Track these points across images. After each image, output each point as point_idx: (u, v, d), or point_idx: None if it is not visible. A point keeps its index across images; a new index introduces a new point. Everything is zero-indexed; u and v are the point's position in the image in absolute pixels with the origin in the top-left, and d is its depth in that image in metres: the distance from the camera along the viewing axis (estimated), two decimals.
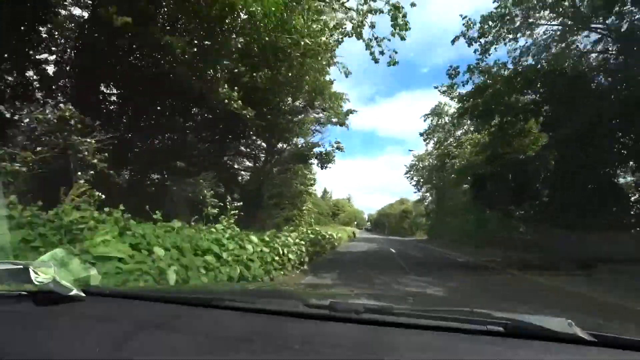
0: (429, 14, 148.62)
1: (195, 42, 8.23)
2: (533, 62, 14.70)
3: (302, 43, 8.83)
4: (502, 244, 16.66)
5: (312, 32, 9.27)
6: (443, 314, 1.03)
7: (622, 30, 11.47)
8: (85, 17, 8.85)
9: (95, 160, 5.43)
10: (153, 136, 10.39)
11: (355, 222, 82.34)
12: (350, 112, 15.86)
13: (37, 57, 8.25)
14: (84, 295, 1.11)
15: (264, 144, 14.90)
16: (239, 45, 9.66)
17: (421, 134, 33.72)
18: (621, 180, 13.64)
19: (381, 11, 9.32)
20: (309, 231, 13.15)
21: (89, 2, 8.53)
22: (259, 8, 7.18)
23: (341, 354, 0.80)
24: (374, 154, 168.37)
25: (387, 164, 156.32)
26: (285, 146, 15.40)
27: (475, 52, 14.63)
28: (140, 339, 0.87)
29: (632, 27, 11.09)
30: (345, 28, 10.25)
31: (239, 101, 8.40)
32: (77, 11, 8.96)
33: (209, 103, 9.31)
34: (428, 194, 43.01)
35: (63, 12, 8.46)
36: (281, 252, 7.19)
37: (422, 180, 41.80)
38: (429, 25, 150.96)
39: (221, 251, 4.74)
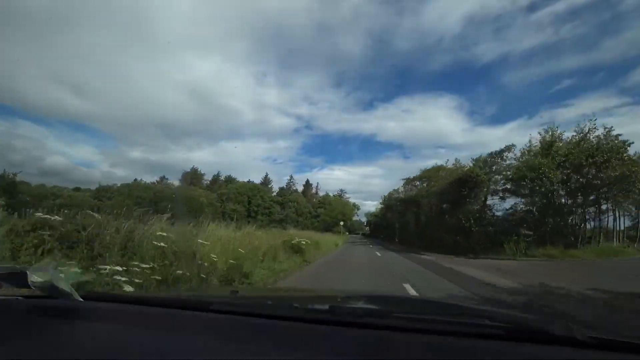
0: (425, 20, 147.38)
1: None
2: None
3: None
4: None
5: None
6: (443, 316, 1.03)
7: None
8: None
9: None
10: None
11: (342, 222, 52.30)
12: None
13: None
14: (81, 299, 1.11)
15: None
16: None
17: None
18: None
19: None
20: None
21: None
22: None
23: (341, 357, 0.80)
24: (372, 160, 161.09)
25: (385, 169, 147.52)
26: None
27: None
28: (137, 343, 0.87)
29: None
30: None
31: None
32: None
33: None
34: None
35: None
36: None
37: None
38: (426, 30, 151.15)
39: None
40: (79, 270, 1.36)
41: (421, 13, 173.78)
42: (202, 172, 78.47)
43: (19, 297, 1.06)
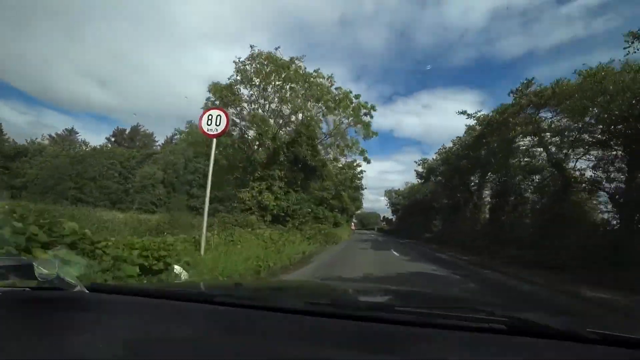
0: (447, 14, 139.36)
1: None
2: None
3: None
4: None
5: None
6: (445, 311, 1.04)
7: None
8: None
9: None
10: None
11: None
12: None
13: None
14: (87, 291, 1.11)
15: None
16: None
17: None
18: None
19: None
20: None
21: None
22: None
23: (343, 351, 0.80)
24: (390, 155, 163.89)
25: (403, 164, 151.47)
26: None
27: None
28: (143, 335, 0.88)
29: None
30: None
31: None
32: None
33: None
34: None
35: None
36: None
37: None
38: (448, 25, 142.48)
39: None
40: (84, 262, 1.31)
41: (444, 8, 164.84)
42: (151, 132, 66.82)
43: (26, 289, 1.07)
